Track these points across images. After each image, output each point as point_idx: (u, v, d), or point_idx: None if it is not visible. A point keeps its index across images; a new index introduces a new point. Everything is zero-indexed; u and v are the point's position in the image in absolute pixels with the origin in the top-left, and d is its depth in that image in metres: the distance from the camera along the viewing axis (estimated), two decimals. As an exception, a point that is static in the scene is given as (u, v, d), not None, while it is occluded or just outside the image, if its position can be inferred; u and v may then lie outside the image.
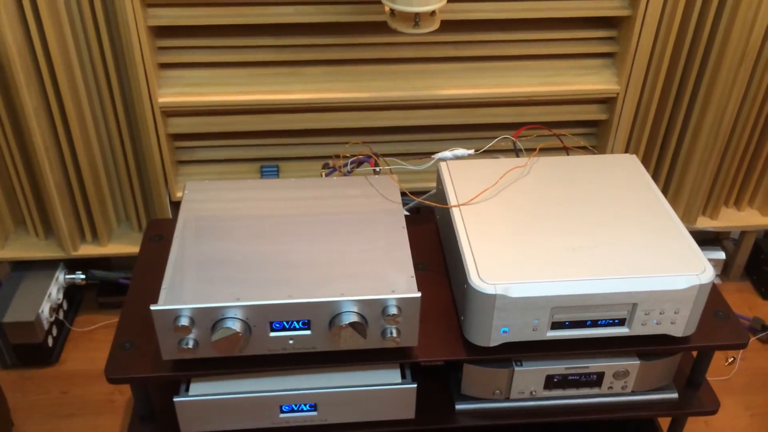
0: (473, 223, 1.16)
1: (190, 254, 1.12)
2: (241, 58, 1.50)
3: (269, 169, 1.65)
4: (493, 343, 1.11)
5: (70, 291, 1.80)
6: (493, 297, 1.05)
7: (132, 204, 1.68)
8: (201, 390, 1.14)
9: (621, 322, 1.11)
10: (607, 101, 1.62)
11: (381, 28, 1.45)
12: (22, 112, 1.45)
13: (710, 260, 1.91)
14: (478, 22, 1.51)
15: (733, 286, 1.97)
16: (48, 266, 1.72)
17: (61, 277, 1.73)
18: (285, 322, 1.05)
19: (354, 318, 1.04)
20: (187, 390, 1.14)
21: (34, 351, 1.65)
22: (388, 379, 1.16)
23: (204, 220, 1.20)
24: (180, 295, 1.04)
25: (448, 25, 1.47)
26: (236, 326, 1.03)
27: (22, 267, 1.72)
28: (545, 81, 1.56)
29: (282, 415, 1.16)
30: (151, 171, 1.59)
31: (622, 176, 1.28)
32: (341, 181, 1.31)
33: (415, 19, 1.20)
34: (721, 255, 1.92)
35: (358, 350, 1.10)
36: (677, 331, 1.13)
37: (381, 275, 1.08)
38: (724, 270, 1.98)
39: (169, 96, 1.49)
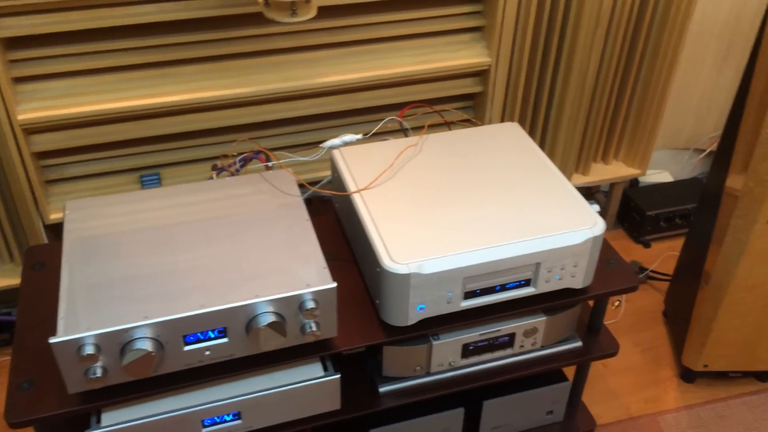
0: (376, 207, 1.16)
1: (83, 277, 1.05)
2: (105, 63, 1.41)
3: (150, 178, 1.57)
4: (410, 321, 1.12)
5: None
6: (407, 276, 1.06)
7: (0, 233, 1.54)
8: (114, 419, 1.07)
9: (527, 283, 1.16)
10: (480, 74, 1.67)
11: (253, 19, 1.41)
12: None
13: (589, 214, 2.04)
14: (352, 6, 1.50)
15: (609, 235, 2.11)
16: None
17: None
18: (199, 334, 1.01)
19: (271, 318, 1.01)
20: (98, 422, 1.07)
21: None
22: (311, 373, 1.14)
23: (92, 239, 1.12)
24: (80, 322, 0.97)
25: (322, 12, 1.46)
26: (147, 346, 0.97)
27: None
28: (421, 59, 1.59)
29: (205, 430, 1.12)
30: (18, 195, 1.46)
31: (508, 144, 1.33)
32: (233, 181, 1.27)
33: (292, 7, 1.17)
34: (596, 208, 2.04)
35: (278, 350, 1.08)
36: (577, 283, 1.19)
37: (293, 271, 1.06)
38: (600, 221, 2.12)
39: (29, 112, 1.38)
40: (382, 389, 1.24)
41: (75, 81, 1.42)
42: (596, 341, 1.36)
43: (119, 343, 0.97)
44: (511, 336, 1.25)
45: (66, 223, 1.16)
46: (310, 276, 1.05)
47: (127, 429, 1.06)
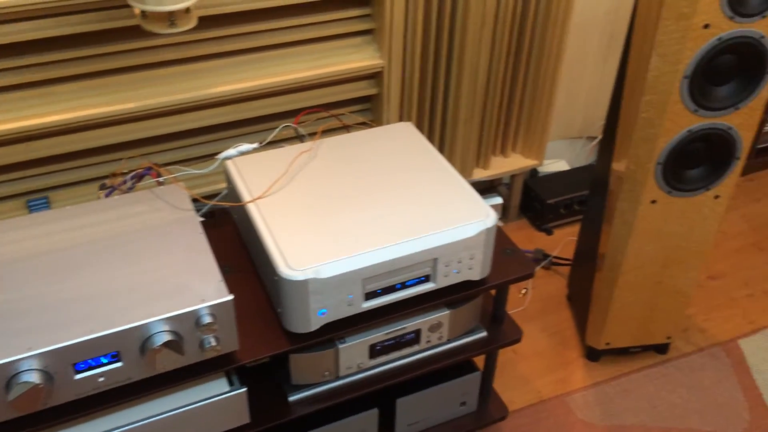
0: (271, 215, 1.16)
1: (-38, 312, 0.99)
2: (-22, 85, 1.34)
3: (37, 202, 1.50)
4: (313, 327, 1.12)
5: None
6: (305, 283, 1.06)
7: None
8: (8, 457, 1.02)
9: (427, 279, 1.18)
10: (374, 76, 1.69)
11: (134, 32, 1.38)
12: None
13: (490, 207, 2.10)
14: (238, 14, 1.48)
15: (513, 226, 2.17)
16: None
17: None
18: (90, 360, 0.97)
19: (167, 337, 0.99)
20: (-9, 462, 1.01)
21: None
22: (216, 390, 1.13)
23: (-29, 271, 1.07)
24: (-41, 359, 0.92)
25: (208, 21, 1.43)
26: (34, 378, 0.93)
27: None
28: (313, 65, 1.59)
29: (109, 459, 1.08)
30: None
31: (402, 143, 1.35)
32: (124, 200, 1.23)
33: (170, 18, 1.15)
34: (499, 200, 2.09)
35: (178, 369, 1.06)
36: (475, 275, 1.22)
37: (188, 287, 1.04)
38: (504, 213, 2.18)
39: None
40: (292, 398, 1.23)
41: (-54, 105, 1.34)
42: (500, 330, 1.39)
43: (4, 377, 0.92)
44: (417, 332, 1.27)
45: (-59, 256, 1.09)
46: (205, 290, 1.03)
47: (22, 467, 1.01)
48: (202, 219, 1.32)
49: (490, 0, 1.65)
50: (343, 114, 1.66)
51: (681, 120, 1.34)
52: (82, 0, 1.28)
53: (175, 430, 1.10)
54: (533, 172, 2.21)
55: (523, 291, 1.94)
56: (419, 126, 1.83)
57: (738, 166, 1.43)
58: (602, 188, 1.57)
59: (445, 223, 1.15)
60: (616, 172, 1.49)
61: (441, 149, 1.92)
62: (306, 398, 1.23)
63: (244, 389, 1.13)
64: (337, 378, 1.25)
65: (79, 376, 0.98)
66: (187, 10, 1.19)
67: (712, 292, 1.97)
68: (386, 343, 1.25)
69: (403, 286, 1.17)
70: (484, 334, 1.37)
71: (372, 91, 1.70)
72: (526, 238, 2.13)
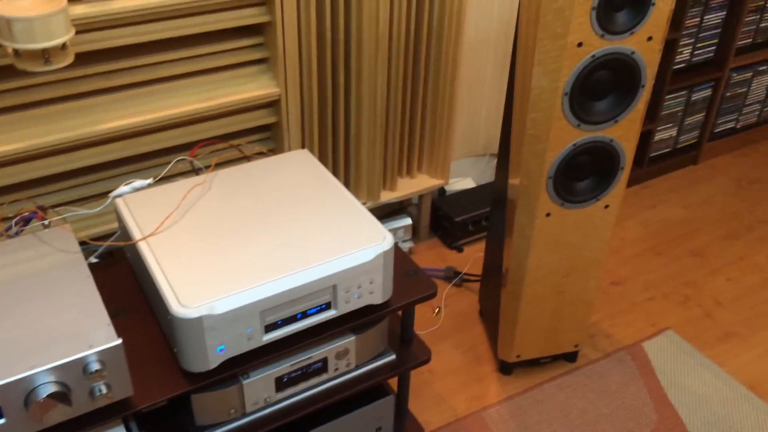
0: (163, 252, 1.13)
1: None
2: None
3: None
4: (212, 365, 1.09)
5: None
6: (199, 320, 1.03)
7: None
8: None
9: (328, 306, 1.17)
10: (271, 104, 1.68)
11: (10, 72, 1.32)
12: None
13: (399, 228, 2.12)
14: (125, 48, 1.45)
15: (424, 245, 2.20)
16: None
17: None
18: (-31, 419, 0.92)
19: (52, 389, 0.94)
20: None
21: None
22: (114, 439, 1.08)
23: None
24: None
25: (93, 56, 1.40)
26: None
27: None
28: (207, 96, 1.57)
29: None
30: None
31: (298, 171, 1.35)
32: (8, 246, 1.17)
33: (45, 55, 1.11)
34: (408, 221, 2.12)
35: (68, 421, 1.01)
36: (377, 299, 1.22)
37: (75, 333, 0.99)
38: (414, 233, 2.20)
39: None
40: (197, 439, 1.19)
41: None
42: (410, 351, 1.40)
43: None
44: (324, 361, 1.26)
45: None
46: (92, 336, 0.99)
47: None
48: (96, 261, 1.28)
49: (382, 24, 1.68)
50: (240, 144, 1.65)
51: (565, 135, 1.39)
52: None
53: (70, 486, 1.05)
54: (441, 191, 2.25)
55: (436, 310, 1.96)
56: (322, 152, 1.83)
57: (623, 175, 1.50)
58: (502, 204, 1.61)
59: (342, 249, 1.15)
60: (512, 186, 1.54)
61: (346, 173, 1.92)
62: (212, 438, 1.20)
63: (144, 435, 1.09)
64: (244, 415, 1.22)
65: (-45, 439, 0.92)
66: (63, 47, 1.16)
67: (615, 298, 2.04)
68: (293, 375, 1.23)
69: (304, 315, 1.16)
70: (393, 357, 1.37)
71: (271, 120, 1.69)
72: (438, 256, 2.15)
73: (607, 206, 1.53)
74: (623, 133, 1.43)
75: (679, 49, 2.34)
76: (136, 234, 1.17)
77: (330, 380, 1.30)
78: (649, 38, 1.33)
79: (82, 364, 0.96)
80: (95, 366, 0.96)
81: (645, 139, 2.45)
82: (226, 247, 1.14)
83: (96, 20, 1.33)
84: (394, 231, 2.10)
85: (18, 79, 1.32)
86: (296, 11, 1.58)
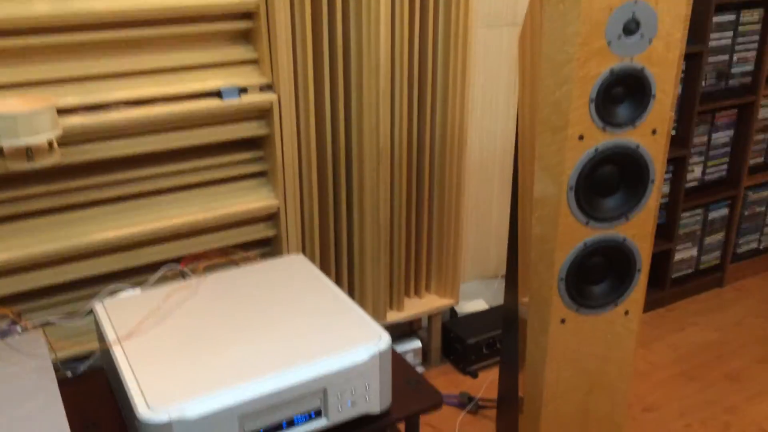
0: (137, 355, 1.03)
1: None
2: None
3: None
4: (184, 481, 0.96)
5: None
6: (168, 426, 0.92)
7: None
8: None
9: (318, 414, 1.05)
10: (271, 217, 1.65)
11: (7, 181, 1.31)
12: None
13: (409, 351, 2.00)
14: (122, 158, 1.45)
15: (437, 371, 2.06)
16: None
17: None
18: None
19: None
20: None
21: None
22: None
23: None
24: None
25: (88, 167, 1.39)
26: None
27: None
28: (204, 208, 1.54)
29: None
30: None
31: (290, 274, 1.28)
32: (-25, 354, 1.09)
33: (28, 153, 1.09)
34: (417, 344, 2.01)
35: None
36: (374, 407, 1.10)
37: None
38: (425, 358, 2.08)
39: None
40: None
41: None
42: (415, 475, 1.25)
43: None
44: (315, 483, 1.11)
45: None
46: (47, 442, 0.88)
47: None
48: (71, 376, 1.19)
49: (383, 139, 1.68)
50: (237, 255, 1.59)
51: (575, 233, 1.32)
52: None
53: None
54: (452, 314, 2.14)
55: (450, 439, 1.79)
56: (324, 267, 1.76)
57: (642, 278, 1.41)
58: (512, 325, 1.51)
59: (333, 349, 1.06)
60: (523, 305, 1.44)
61: (350, 292, 1.84)
62: None
63: None
64: None
65: None
66: (51, 147, 1.14)
67: (649, 426, 1.86)
68: (279, 499, 1.09)
69: (290, 423, 1.03)
70: (395, 481, 1.22)
71: (270, 233, 1.64)
72: (451, 382, 2.01)
73: (627, 312, 1.42)
74: (636, 231, 1.36)
75: (690, 167, 2.31)
76: (110, 337, 1.08)
77: (323, 508, 1.14)
78: (654, 131, 1.29)
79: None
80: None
81: (665, 258, 2.36)
82: (206, 348, 1.05)
83: (91, 130, 1.33)
84: (402, 355, 1.97)
85: (10, 190, 1.30)
86: (296, 125, 1.58)
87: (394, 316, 1.92)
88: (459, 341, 2.04)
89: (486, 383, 1.97)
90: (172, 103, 1.42)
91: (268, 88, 1.53)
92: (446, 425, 1.84)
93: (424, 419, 1.86)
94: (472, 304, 2.20)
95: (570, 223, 1.31)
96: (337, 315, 1.14)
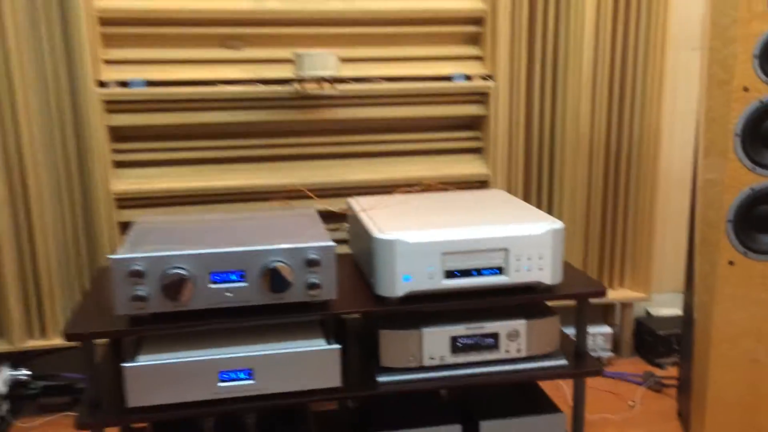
0: (374, 215, 1.46)
1: (142, 233, 1.34)
2: (184, 156, 1.85)
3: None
4: (399, 292, 1.34)
5: (15, 388, 1.86)
6: (393, 243, 1.31)
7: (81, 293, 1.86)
8: (147, 359, 1.27)
9: (500, 271, 1.38)
10: (481, 185, 2.02)
11: (298, 127, 1.86)
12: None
13: (599, 334, 2.18)
14: (377, 124, 1.95)
15: (626, 361, 2.20)
16: (-8, 362, 1.82)
17: (6, 372, 1.82)
18: (223, 274, 1.26)
19: (281, 263, 1.26)
20: (134, 359, 1.28)
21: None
22: (315, 345, 1.33)
23: (153, 224, 1.43)
24: (133, 252, 1.25)
25: (356, 127, 1.90)
26: (180, 270, 1.23)
27: (-34, 364, 1.81)
28: (430, 168, 1.97)
29: (220, 384, 1.29)
30: (103, 261, 1.82)
31: (493, 193, 1.63)
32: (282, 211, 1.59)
33: (318, 81, 1.62)
34: (608, 329, 2.19)
35: (285, 304, 1.30)
36: (546, 277, 1.39)
37: (302, 236, 1.33)
38: (616, 350, 2.23)
39: (123, 184, 1.80)
40: (380, 379, 1.39)
41: (159, 169, 1.85)
42: (581, 363, 1.48)
43: (160, 268, 1.24)
44: (495, 337, 1.41)
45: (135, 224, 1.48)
46: (314, 237, 1.32)
47: (156, 368, 1.26)
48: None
49: (583, 125, 2.00)
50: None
51: (742, 177, 1.52)
52: (262, 95, 1.81)
53: (277, 371, 1.30)
54: (646, 314, 2.29)
55: (631, 403, 1.94)
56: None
57: (813, 231, 1.53)
58: (689, 320, 1.67)
59: (516, 222, 1.39)
60: (699, 304, 1.61)
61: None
62: (392, 381, 1.39)
63: (339, 347, 1.33)
64: (422, 369, 1.40)
65: (212, 286, 1.26)
66: (332, 83, 1.67)
67: None
68: (466, 341, 1.40)
69: (479, 273, 1.37)
70: (564, 361, 1.46)
71: (481, 198, 2.02)
72: (638, 370, 2.14)
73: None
74: None
75: None
76: (356, 208, 1.53)
77: (501, 362, 1.43)
78: None
79: (304, 253, 1.28)
80: (313, 254, 1.28)
81: None
82: (423, 214, 1.44)
83: (356, 95, 1.85)
84: (593, 337, 2.17)
85: (301, 137, 1.85)
86: (508, 109, 1.98)
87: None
88: (650, 333, 2.18)
89: (673, 372, 2.08)
90: (415, 81, 1.90)
91: (488, 77, 1.95)
92: (627, 396, 1.98)
93: (606, 385, 2.03)
94: (667, 310, 2.33)
95: (737, 168, 1.51)
96: (526, 210, 1.48)
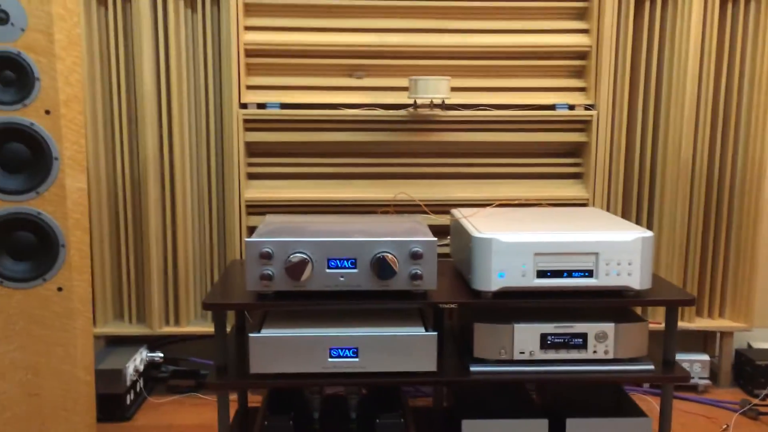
0: (473, 220, 1.61)
1: (273, 225, 1.55)
2: (308, 170, 2.08)
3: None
4: (493, 287, 1.47)
5: (149, 368, 2.12)
6: (489, 241, 1.45)
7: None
8: (270, 332, 1.47)
9: (590, 274, 1.48)
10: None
11: (403, 148, 2.05)
12: (145, 212, 2.01)
13: (696, 361, 2.19)
14: (484, 149, 2.10)
15: (724, 391, 2.19)
16: (135, 344, 2.09)
17: (144, 353, 2.08)
18: (338, 260, 1.45)
19: (388, 254, 1.43)
20: (259, 331, 1.48)
21: (115, 404, 1.93)
22: (414, 331, 1.48)
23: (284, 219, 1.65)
24: (264, 237, 1.46)
25: (463, 150, 2.07)
26: (303, 255, 1.43)
27: (114, 343, 2.10)
28: (530, 190, 2.09)
29: (330, 360, 1.46)
30: (230, 247, 2.06)
31: (589, 210, 1.74)
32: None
33: (430, 103, 1.80)
34: (705, 357, 2.19)
35: (390, 291, 1.46)
36: (635, 282, 1.48)
37: (408, 233, 1.49)
38: (713, 378, 2.22)
39: (254, 193, 2.05)
40: (473, 368, 1.51)
41: (286, 181, 2.09)
42: (669, 371, 1.53)
43: (286, 251, 1.44)
44: (584, 337, 1.51)
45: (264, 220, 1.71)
46: (418, 234, 1.48)
47: (277, 339, 1.45)
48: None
49: (684, 152, 2.06)
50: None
51: None
52: (379, 117, 2.01)
53: (378, 351, 1.46)
54: (748, 347, 2.27)
55: (724, 426, 1.94)
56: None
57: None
58: None
59: (608, 229, 1.49)
60: None
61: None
62: (484, 371, 1.51)
63: (435, 333, 1.47)
64: (512, 362, 1.51)
65: (329, 271, 1.45)
66: (443, 107, 1.84)
67: None
68: (556, 339, 1.51)
69: (570, 275, 1.48)
70: (651, 366, 1.52)
71: (579, 220, 2.12)
72: (735, 399, 2.13)
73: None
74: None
75: None
76: (458, 216, 1.68)
77: (589, 362, 1.52)
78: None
79: (409, 246, 1.45)
80: (417, 247, 1.44)
81: None
82: (520, 221, 1.58)
83: (463, 120, 2.02)
84: (689, 364, 2.18)
85: (408, 157, 2.04)
86: (609, 137, 2.08)
87: (682, 325, 2.16)
88: (750, 364, 2.17)
89: (771, 393, 2.05)
90: (520, 109, 2.05)
91: (590, 107, 2.07)
92: (722, 421, 1.98)
93: (700, 410, 2.04)
94: (771, 343, 2.30)
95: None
96: (618, 221, 1.58)
